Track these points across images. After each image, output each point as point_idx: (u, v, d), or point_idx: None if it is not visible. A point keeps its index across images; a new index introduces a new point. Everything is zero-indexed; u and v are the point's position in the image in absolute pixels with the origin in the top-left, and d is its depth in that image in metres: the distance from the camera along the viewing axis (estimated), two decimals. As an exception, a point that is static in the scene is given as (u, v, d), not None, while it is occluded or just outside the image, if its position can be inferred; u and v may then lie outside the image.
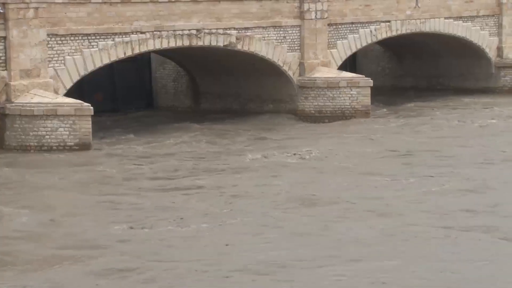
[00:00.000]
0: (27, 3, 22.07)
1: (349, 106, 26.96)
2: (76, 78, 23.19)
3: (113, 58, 23.85)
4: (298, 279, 11.45)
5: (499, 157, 20.01)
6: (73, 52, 23.06)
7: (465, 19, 32.09)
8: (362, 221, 14.21)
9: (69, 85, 23.02)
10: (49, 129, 21.35)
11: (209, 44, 25.53)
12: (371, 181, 17.54)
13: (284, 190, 16.70)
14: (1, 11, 21.61)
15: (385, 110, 28.46)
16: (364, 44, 29.50)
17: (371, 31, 29.43)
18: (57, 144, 21.31)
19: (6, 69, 21.87)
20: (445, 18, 31.46)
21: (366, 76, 27.82)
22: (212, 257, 12.42)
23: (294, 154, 20.46)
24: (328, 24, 28.19)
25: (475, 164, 19.00)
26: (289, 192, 16.55)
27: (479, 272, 11.68)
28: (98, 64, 23.58)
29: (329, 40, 28.29)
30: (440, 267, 11.78)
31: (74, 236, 13.71)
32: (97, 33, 23.42)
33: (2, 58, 21.86)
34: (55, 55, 22.78)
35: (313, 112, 27.20)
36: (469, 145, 21.73)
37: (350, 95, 27.00)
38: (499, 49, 32.91)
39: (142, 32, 24.18)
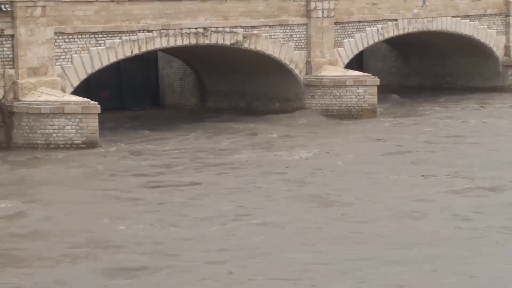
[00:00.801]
0: (35, 1, 22.13)
1: (356, 105, 26.94)
2: (83, 76, 23.24)
3: (120, 56, 23.88)
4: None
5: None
6: (80, 51, 23.10)
7: (473, 18, 32.03)
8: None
9: (76, 83, 23.07)
10: (56, 127, 21.40)
11: (215, 42, 25.54)
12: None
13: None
14: (9, 9, 21.66)
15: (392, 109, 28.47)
16: (371, 42, 29.47)
17: (378, 29, 29.40)
18: (64, 142, 21.35)
19: (13, 67, 21.93)
20: (452, 16, 31.40)
21: (373, 75, 27.80)
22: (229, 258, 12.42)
23: None
24: (335, 23, 28.17)
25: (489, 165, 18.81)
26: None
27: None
28: (105, 63, 23.62)
29: (336, 38, 28.28)
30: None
31: (81, 233, 13.74)
32: (104, 32, 23.45)
33: (10, 56, 21.91)
34: (63, 53, 22.83)
35: (319, 110, 27.19)
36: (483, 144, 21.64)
37: (356, 94, 26.98)
38: (507, 48, 32.84)
39: (149, 31, 24.21)
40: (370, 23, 29.19)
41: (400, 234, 13.44)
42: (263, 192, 16.49)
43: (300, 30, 27.56)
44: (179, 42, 24.84)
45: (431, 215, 14.58)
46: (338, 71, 27.66)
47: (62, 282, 11.48)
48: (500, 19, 32.80)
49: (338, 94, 27.05)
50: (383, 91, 28.89)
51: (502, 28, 32.84)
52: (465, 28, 31.82)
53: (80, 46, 23.11)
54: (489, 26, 32.54)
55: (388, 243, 12.91)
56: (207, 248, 12.88)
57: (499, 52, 32.77)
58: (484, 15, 32.37)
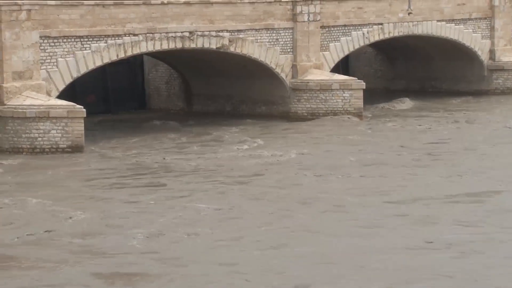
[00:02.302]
0: (20, 5, 22.06)
1: (342, 109, 27.00)
2: (68, 80, 23.18)
3: (106, 60, 23.85)
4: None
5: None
6: (65, 54, 23.05)
7: (458, 22, 32.19)
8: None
9: (61, 87, 23.01)
10: (42, 131, 21.33)
11: (201, 46, 25.54)
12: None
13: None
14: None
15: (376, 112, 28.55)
16: (357, 46, 29.56)
17: (363, 33, 29.49)
18: (50, 147, 21.29)
19: (-2, 71, 21.85)
20: (438, 20, 31.55)
21: (358, 79, 27.87)
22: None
23: None
24: (321, 27, 28.24)
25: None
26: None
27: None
28: (91, 66, 23.57)
29: (322, 42, 28.34)
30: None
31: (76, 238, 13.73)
32: (90, 35, 23.41)
33: (-5, 60, 21.83)
34: (48, 57, 22.77)
35: (305, 114, 27.25)
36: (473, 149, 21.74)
37: (342, 98, 27.05)
38: (491, 52, 33.01)
39: (134, 34, 24.19)
40: (356, 27, 29.27)
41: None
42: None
43: (286, 34, 27.61)
44: (165, 46, 24.83)
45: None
46: (324, 75, 27.72)
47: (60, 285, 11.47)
48: (485, 23, 32.97)
49: (324, 98, 27.11)
50: (369, 95, 28.97)
51: (487, 32, 33.01)
52: (450, 32, 31.96)
53: (66, 50, 23.05)
54: (474, 30, 32.70)
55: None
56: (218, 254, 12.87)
57: (484, 56, 32.94)
58: (469, 19, 32.54)
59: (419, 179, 17.86)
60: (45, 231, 14.14)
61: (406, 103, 30.03)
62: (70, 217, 14.94)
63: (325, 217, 14.92)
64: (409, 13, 30.06)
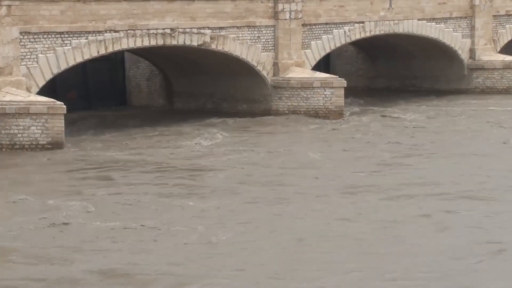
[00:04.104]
0: (0, 0, 21.91)
1: (323, 107, 27.06)
2: (49, 76, 23.06)
3: (87, 56, 23.74)
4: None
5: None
6: (46, 50, 22.93)
7: (438, 21, 32.33)
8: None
9: (42, 83, 22.89)
10: (21, 127, 21.21)
11: (183, 43, 25.50)
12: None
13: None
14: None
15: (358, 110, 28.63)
16: (338, 44, 29.61)
17: (345, 31, 29.56)
18: (30, 143, 21.18)
19: (-22, 67, 21.72)
20: (418, 19, 31.68)
21: (340, 77, 27.93)
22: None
23: None
24: (302, 25, 28.27)
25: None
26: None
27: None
28: (71, 63, 23.46)
29: (303, 40, 28.37)
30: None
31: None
32: (71, 31, 23.30)
33: (-26, 55, 21.69)
34: (28, 53, 22.64)
35: (286, 112, 27.27)
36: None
37: (324, 96, 27.10)
38: (472, 51, 33.19)
39: (115, 31, 24.10)
40: (337, 25, 29.33)
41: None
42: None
43: (268, 31, 27.62)
44: (146, 43, 24.76)
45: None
46: (305, 73, 27.76)
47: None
48: (466, 23, 33.15)
49: (305, 95, 27.15)
50: (350, 93, 29.06)
51: (468, 31, 33.19)
52: (431, 31, 32.10)
53: (46, 46, 22.93)
54: (455, 29, 32.86)
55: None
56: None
57: (464, 55, 33.11)
58: (450, 18, 32.69)
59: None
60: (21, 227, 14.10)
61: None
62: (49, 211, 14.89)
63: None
64: (389, 8, 30.15)
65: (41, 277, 11.62)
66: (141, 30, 24.53)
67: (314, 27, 28.74)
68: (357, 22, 29.83)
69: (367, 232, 13.59)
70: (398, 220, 14.34)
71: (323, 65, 32.58)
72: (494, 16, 33.82)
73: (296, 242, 13.16)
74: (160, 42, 24.99)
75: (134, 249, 12.86)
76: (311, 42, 28.66)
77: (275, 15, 27.67)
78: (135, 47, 24.94)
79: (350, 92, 28.86)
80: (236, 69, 27.63)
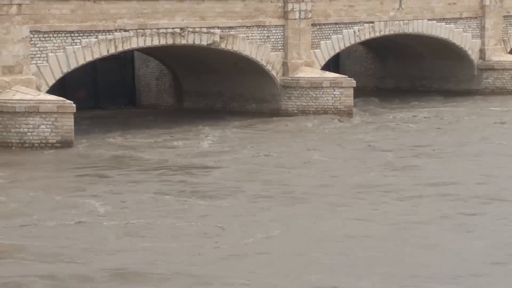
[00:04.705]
0: (10, -1, 21.98)
1: (332, 106, 27.03)
2: (58, 75, 23.11)
3: (96, 55, 23.78)
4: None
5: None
6: (56, 49, 22.97)
7: (448, 21, 32.26)
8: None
9: (51, 82, 22.94)
10: (31, 126, 21.26)
11: (192, 42, 25.51)
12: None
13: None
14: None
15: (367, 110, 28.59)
16: (348, 44, 29.57)
17: (354, 31, 29.51)
18: (39, 142, 21.22)
19: (-12, 65, 21.77)
20: (428, 19, 31.60)
21: (349, 77, 27.90)
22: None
23: None
24: (312, 24, 28.24)
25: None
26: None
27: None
28: (81, 62, 23.50)
29: (313, 40, 28.35)
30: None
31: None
32: (81, 30, 23.34)
33: (-16, 54, 21.74)
34: (38, 52, 22.69)
35: (296, 112, 27.25)
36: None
37: (333, 95, 27.07)
38: (482, 51, 33.09)
39: (125, 30, 24.13)
40: (347, 25, 29.29)
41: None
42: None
43: (277, 31, 27.60)
44: (155, 42, 24.78)
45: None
46: (314, 73, 27.73)
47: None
48: (476, 23, 33.05)
49: (314, 95, 27.13)
50: (359, 93, 29.00)
51: (478, 31, 33.09)
52: (441, 31, 32.02)
53: (56, 44, 22.97)
54: (465, 30, 32.78)
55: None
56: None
57: (474, 55, 33.02)
58: (460, 18, 32.60)
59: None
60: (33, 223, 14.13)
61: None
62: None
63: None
64: (398, 8, 30.09)
65: (53, 274, 11.63)
66: (151, 29, 24.55)
67: (323, 27, 28.71)
68: (366, 22, 29.78)
69: (386, 233, 13.42)
70: (418, 221, 14.12)
71: (333, 65, 32.54)
72: (504, 16, 33.72)
73: (314, 243, 13.01)
74: (170, 41, 25.00)
75: (148, 247, 12.84)
76: (321, 42, 28.63)
77: (285, 15, 27.65)
78: (144, 46, 24.97)
79: (359, 92, 28.82)
80: (246, 68, 27.63)
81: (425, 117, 27.04)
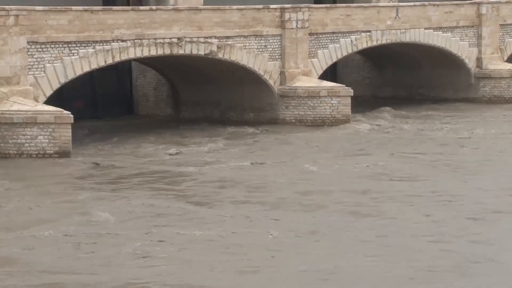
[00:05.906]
0: (8, 10, 22.00)
1: (330, 115, 27.06)
2: (56, 85, 23.12)
3: (94, 66, 23.80)
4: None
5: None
6: (53, 60, 22.99)
7: (445, 30, 32.33)
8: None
9: (49, 92, 22.94)
10: (29, 137, 21.26)
11: (190, 52, 25.54)
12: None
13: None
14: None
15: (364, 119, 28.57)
16: (345, 53, 29.63)
17: (351, 40, 29.57)
18: (37, 152, 21.22)
19: (-15, 76, 21.78)
20: (425, 28, 31.68)
21: (346, 86, 27.93)
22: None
23: None
24: (309, 34, 28.30)
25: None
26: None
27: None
28: (79, 72, 23.52)
29: (310, 49, 28.39)
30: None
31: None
32: (78, 41, 23.37)
33: (-18, 65, 21.75)
34: (35, 63, 22.70)
35: (293, 121, 27.27)
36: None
37: (330, 104, 27.11)
38: (479, 60, 33.16)
39: (123, 40, 24.16)
40: (344, 34, 29.35)
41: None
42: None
43: (275, 40, 27.65)
44: (153, 52, 24.81)
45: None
46: (312, 82, 27.77)
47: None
48: (472, 31, 33.13)
49: (312, 104, 27.15)
50: (357, 102, 29.01)
51: (474, 40, 33.16)
52: (438, 40, 32.09)
53: (53, 55, 22.99)
54: (462, 38, 32.84)
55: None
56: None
57: (471, 64, 33.08)
58: (457, 27, 32.68)
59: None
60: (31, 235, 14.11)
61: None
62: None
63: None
64: (395, 17, 30.16)
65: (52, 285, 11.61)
66: (148, 39, 24.59)
67: (321, 36, 28.77)
68: (363, 31, 29.84)
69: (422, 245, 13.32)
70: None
71: (330, 74, 32.59)
72: (501, 25, 33.80)
73: (338, 249, 13.00)
74: (167, 51, 25.03)
75: (154, 258, 12.80)
76: (318, 51, 28.68)
77: (282, 24, 27.71)
78: (142, 56, 24.99)
79: (357, 101, 28.83)
80: (243, 78, 27.66)
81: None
